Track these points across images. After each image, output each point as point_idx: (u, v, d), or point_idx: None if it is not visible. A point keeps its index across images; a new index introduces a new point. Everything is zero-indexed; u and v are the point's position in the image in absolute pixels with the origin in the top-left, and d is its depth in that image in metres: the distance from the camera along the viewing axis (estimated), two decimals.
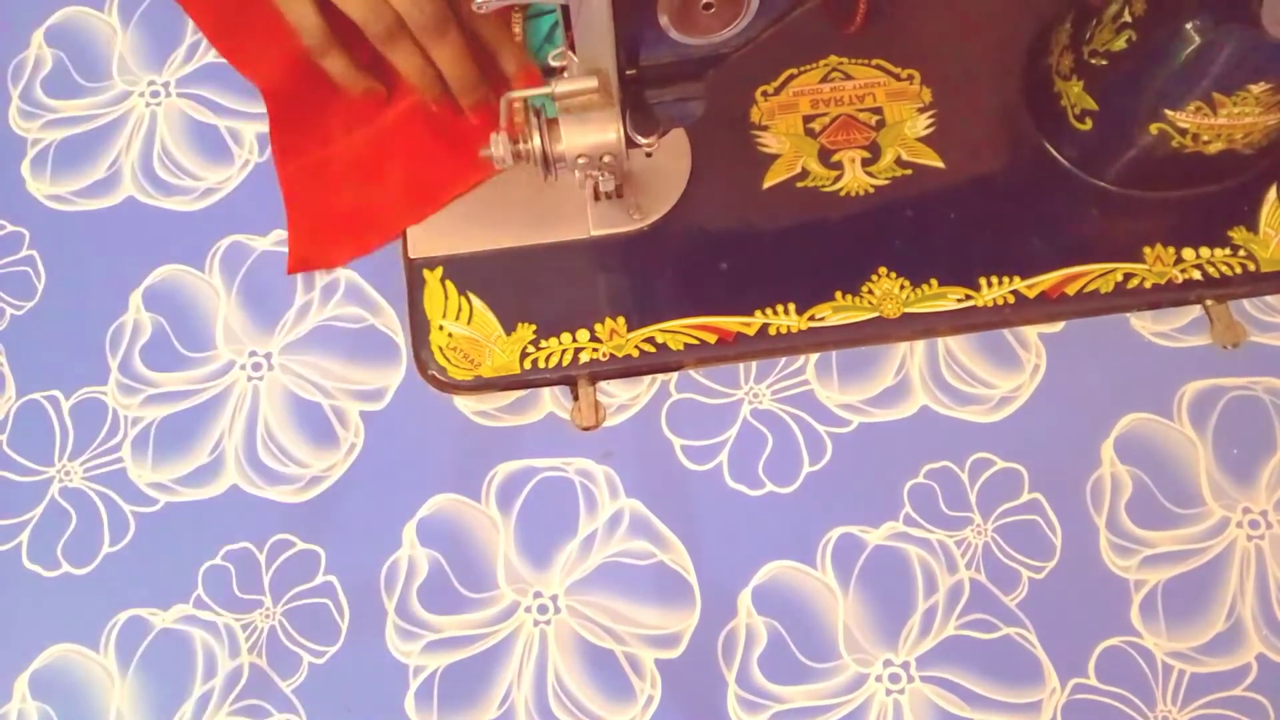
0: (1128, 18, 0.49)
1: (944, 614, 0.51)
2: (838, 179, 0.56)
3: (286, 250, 0.59)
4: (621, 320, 0.54)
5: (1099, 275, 0.54)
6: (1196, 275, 0.53)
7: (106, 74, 0.63)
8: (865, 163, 0.57)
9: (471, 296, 0.55)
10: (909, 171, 0.56)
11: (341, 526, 0.54)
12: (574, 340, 0.54)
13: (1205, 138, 0.51)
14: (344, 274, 0.58)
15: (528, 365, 0.54)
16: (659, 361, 0.54)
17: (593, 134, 0.45)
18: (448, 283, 0.56)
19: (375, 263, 0.58)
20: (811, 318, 0.54)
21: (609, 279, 0.56)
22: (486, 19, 0.55)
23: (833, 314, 0.54)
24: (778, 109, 0.58)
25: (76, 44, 0.64)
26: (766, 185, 0.56)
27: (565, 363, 0.54)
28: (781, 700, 0.50)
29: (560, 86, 0.44)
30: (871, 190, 0.56)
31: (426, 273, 0.56)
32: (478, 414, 0.55)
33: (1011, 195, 0.56)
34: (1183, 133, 0.50)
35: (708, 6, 0.42)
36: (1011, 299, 0.53)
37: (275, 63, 0.60)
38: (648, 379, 0.55)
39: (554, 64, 0.48)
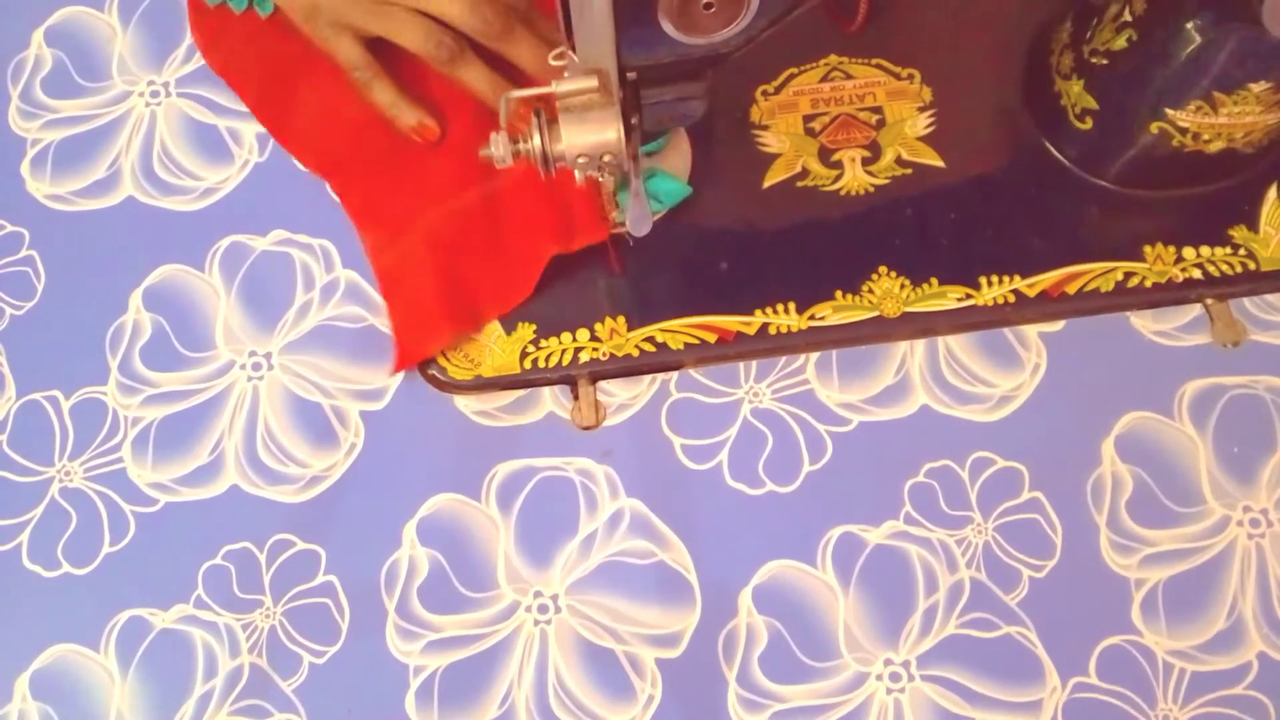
0: (1128, 17, 0.49)
1: (944, 613, 0.51)
2: (838, 178, 0.56)
3: (287, 252, 0.59)
4: (621, 319, 0.54)
5: (1099, 274, 0.54)
6: (1197, 274, 0.53)
7: (106, 74, 0.63)
8: (865, 162, 0.57)
9: None
10: (909, 171, 0.56)
11: (342, 526, 0.54)
12: (574, 340, 0.54)
13: (1206, 137, 0.51)
14: (344, 274, 0.58)
15: (528, 365, 0.54)
16: (659, 361, 0.54)
17: (592, 133, 0.45)
18: None
19: None
20: (811, 317, 0.54)
21: (609, 278, 0.56)
22: (539, 15, 0.55)
23: (833, 313, 0.54)
24: (778, 108, 0.58)
25: (76, 44, 0.64)
26: (767, 184, 0.56)
27: (565, 362, 0.54)
28: (782, 699, 0.50)
29: (560, 86, 0.44)
30: (872, 189, 0.56)
31: None
32: (478, 414, 0.55)
33: (1012, 194, 0.56)
34: (1183, 132, 0.50)
35: (708, 6, 0.42)
36: (1012, 298, 0.53)
37: (330, 141, 0.59)
38: (648, 378, 0.55)
39: (553, 64, 0.48)
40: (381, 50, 0.57)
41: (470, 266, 0.55)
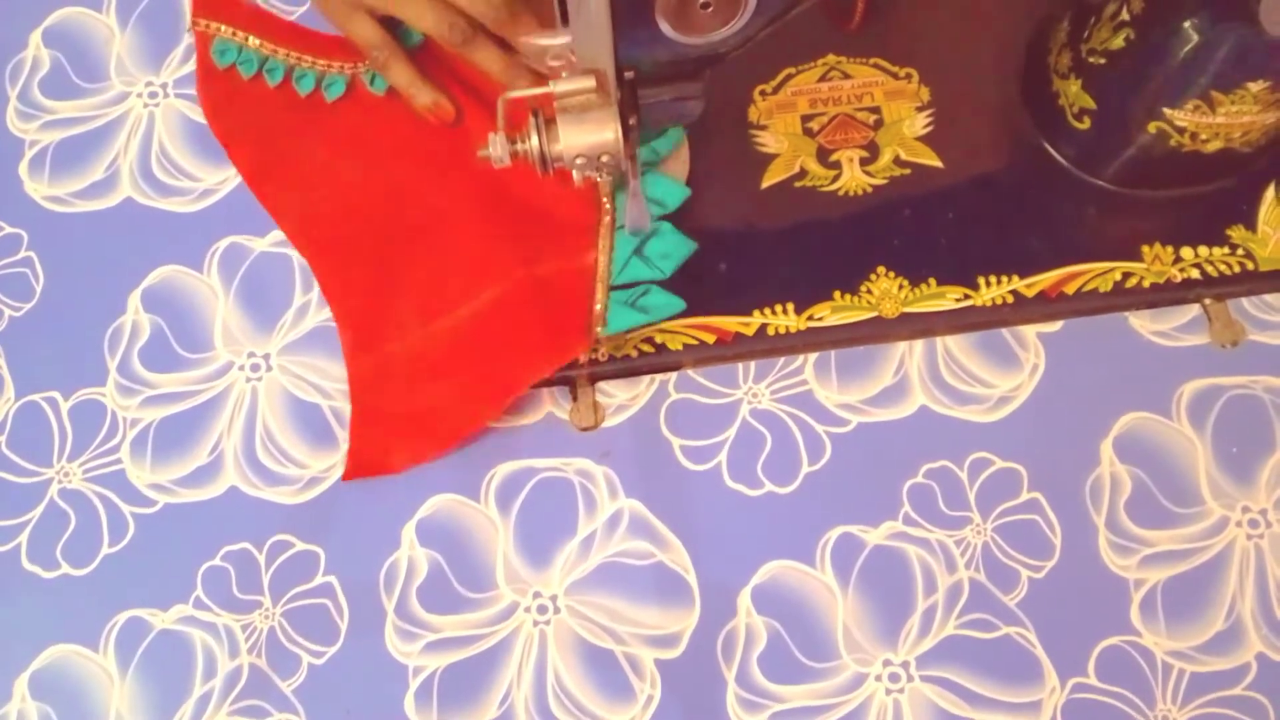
0: (1126, 16, 0.49)
1: (943, 613, 0.51)
2: (836, 178, 0.56)
3: (286, 253, 0.59)
4: None
5: (1097, 274, 0.54)
6: (1195, 274, 0.53)
7: (104, 75, 0.63)
8: (863, 162, 0.57)
9: None
10: (907, 171, 0.56)
11: (341, 527, 0.54)
12: None
13: (1203, 136, 0.51)
14: None
15: None
16: (658, 362, 0.54)
17: (590, 133, 0.45)
18: None
19: None
20: (810, 317, 0.54)
21: None
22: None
23: (831, 314, 0.54)
24: (776, 108, 0.58)
25: (74, 45, 0.64)
26: (765, 185, 0.56)
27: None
28: (781, 700, 0.50)
29: (558, 86, 0.44)
30: (870, 190, 0.56)
31: None
32: None
33: (1010, 194, 0.56)
34: (1181, 131, 0.50)
35: (705, 6, 0.42)
36: (1010, 298, 0.53)
37: (319, 225, 0.58)
38: (646, 379, 0.55)
39: (552, 63, 0.48)
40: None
41: (447, 394, 0.54)
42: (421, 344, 0.55)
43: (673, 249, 0.53)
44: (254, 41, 0.60)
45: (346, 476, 0.54)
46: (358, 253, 0.57)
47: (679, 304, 0.52)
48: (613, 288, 0.53)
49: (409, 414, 0.54)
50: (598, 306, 0.52)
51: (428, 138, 0.58)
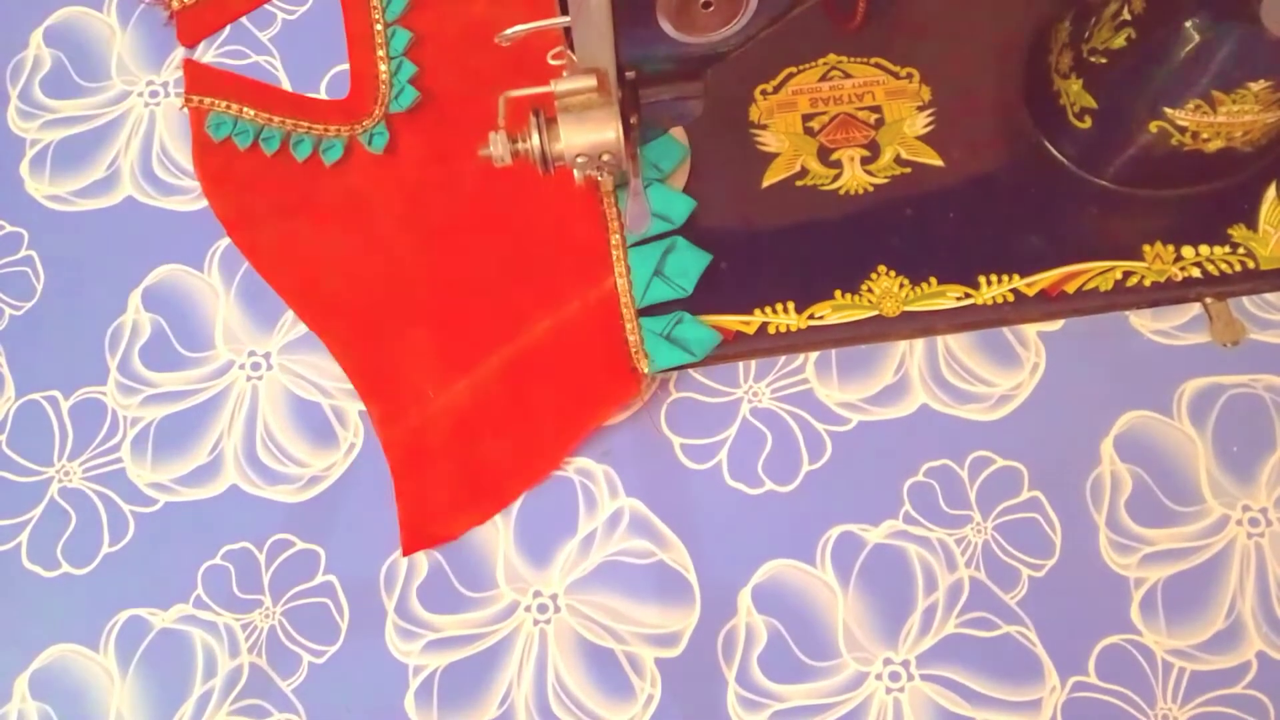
0: (1127, 16, 0.49)
1: (944, 612, 0.51)
2: (837, 177, 0.56)
3: None
4: None
5: (1098, 273, 0.54)
6: (1196, 273, 0.53)
7: (105, 74, 0.63)
8: (864, 161, 0.57)
9: None
10: (908, 170, 0.56)
11: (341, 526, 0.54)
12: None
13: (1205, 136, 0.50)
14: None
15: None
16: None
17: (591, 133, 0.45)
18: None
19: None
20: (811, 316, 0.54)
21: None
22: None
23: (832, 312, 0.54)
24: (777, 108, 0.58)
25: (75, 44, 0.64)
26: (766, 184, 0.56)
27: None
28: (781, 699, 0.50)
29: (559, 85, 0.44)
30: (871, 189, 0.56)
31: None
32: None
33: (1011, 193, 0.56)
34: (1182, 131, 0.50)
35: (706, 5, 0.42)
36: (1011, 297, 0.53)
37: (328, 296, 0.57)
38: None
39: (552, 63, 0.48)
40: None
41: (493, 446, 0.54)
42: (453, 406, 0.54)
43: (690, 264, 0.53)
44: (249, 112, 0.59)
45: (406, 551, 0.53)
46: (367, 322, 0.56)
47: (715, 336, 0.52)
48: (640, 312, 0.53)
49: (460, 478, 0.53)
50: (631, 336, 0.52)
51: (429, 194, 0.57)
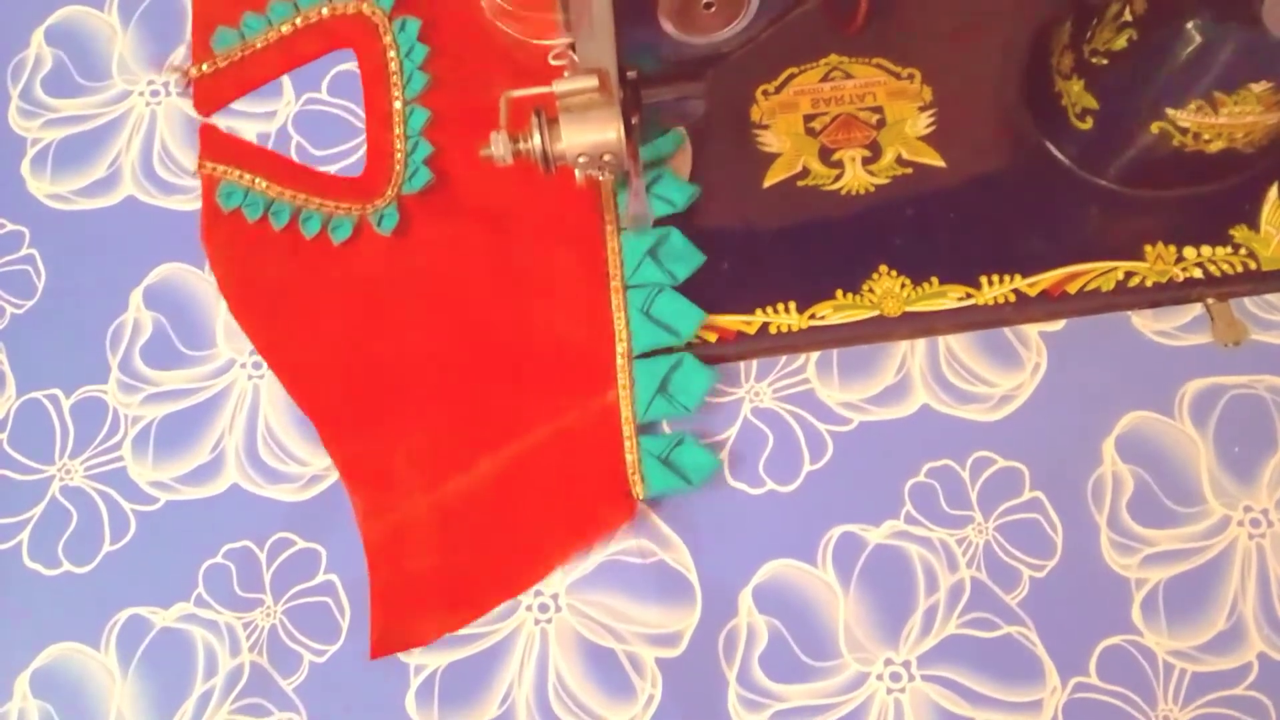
0: (1128, 17, 0.49)
1: (945, 613, 0.51)
2: (838, 178, 0.56)
3: None
4: None
5: (1100, 274, 0.54)
6: (1197, 273, 0.53)
7: (106, 73, 0.63)
8: (866, 161, 0.57)
9: None
10: (909, 170, 0.56)
11: (342, 525, 0.54)
12: None
13: (1206, 136, 0.50)
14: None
15: None
16: None
17: (593, 133, 0.45)
18: None
19: None
20: (812, 316, 0.54)
21: None
22: None
23: (833, 313, 0.54)
24: (778, 108, 0.58)
25: (76, 43, 0.64)
26: (767, 184, 0.56)
27: None
28: (782, 699, 0.50)
29: (561, 85, 0.44)
30: (872, 189, 0.56)
31: None
32: None
33: (1012, 194, 0.56)
34: (1184, 131, 0.50)
35: (708, 6, 0.42)
36: (1012, 297, 0.53)
37: (323, 380, 0.55)
38: None
39: (553, 63, 0.48)
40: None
41: (476, 554, 0.52)
42: (440, 506, 0.52)
43: (695, 383, 0.52)
44: (261, 183, 0.58)
45: (374, 654, 0.51)
46: (362, 408, 0.54)
47: (715, 463, 0.52)
48: (640, 428, 0.52)
49: (435, 582, 0.52)
50: (629, 455, 0.52)
51: (435, 283, 0.56)
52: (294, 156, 0.60)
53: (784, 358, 0.55)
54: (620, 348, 0.53)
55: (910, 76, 0.58)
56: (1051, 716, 0.49)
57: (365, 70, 0.60)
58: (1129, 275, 0.53)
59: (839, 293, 0.54)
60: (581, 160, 0.46)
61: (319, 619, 0.53)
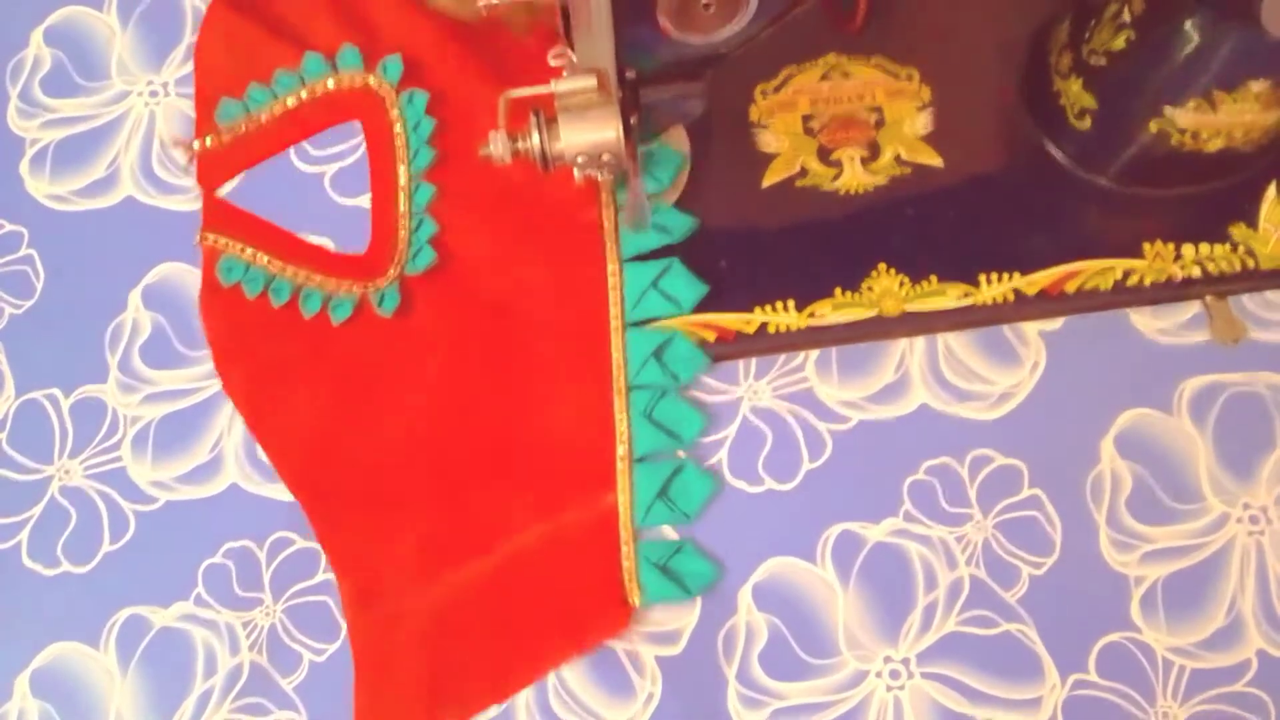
0: (1127, 17, 0.49)
1: (944, 610, 0.51)
2: (837, 177, 0.56)
3: None
4: None
5: (1098, 272, 0.54)
6: (1196, 272, 0.53)
7: (105, 73, 0.63)
8: (864, 161, 0.57)
9: None
10: (908, 170, 0.56)
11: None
12: None
13: (1205, 135, 0.51)
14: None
15: None
16: None
17: (592, 132, 0.45)
18: None
19: None
20: (811, 315, 0.54)
21: None
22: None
23: (832, 311, 0.54)
24: (777, 107, 0.58)
25: (75, 43, 0.64)
26: (766, 184, 0.56)
27: None
28: (782, 697, 0.50)
29: (559, 85, 0.44)
30: (871, 188, 0.56)
31: None
32: None
33: (1011, 193, 0.56)
34: (1182, 130, 0.51)
35: (707, 6, 0.42)
36: (1011, 296, 0.53)
37: (314, 463, 0.54)
38: None
39: (553, 63, 0.48)
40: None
41: (465, 655, 0.51)
42: (431, 604, 0.51)
43: (696, 490, 0.51)
44: (262, 258, 0.56)
45: None
46: (355, 497, 0.53)
47: (713, 572, 0.51)
48: (638, 532, 0.52)
49: (422, 681, 0.50)
50: (626, 561, 0.51)
51: (435, 371, 0.54)
52: (293, 157, 0.60)
53: (783, 356, 0.55)
54: (621, 450, 0.52)
55: (909, 76, 0.58)
56: (1051, 714, 0.49)
57: (371, 144, 0.58)
58: (1128, 273, 0.54)
59: (838, 291, 0.54)
60: (580, 160, 0.46)
61: (318, 618, 0.53)
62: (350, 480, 0.53)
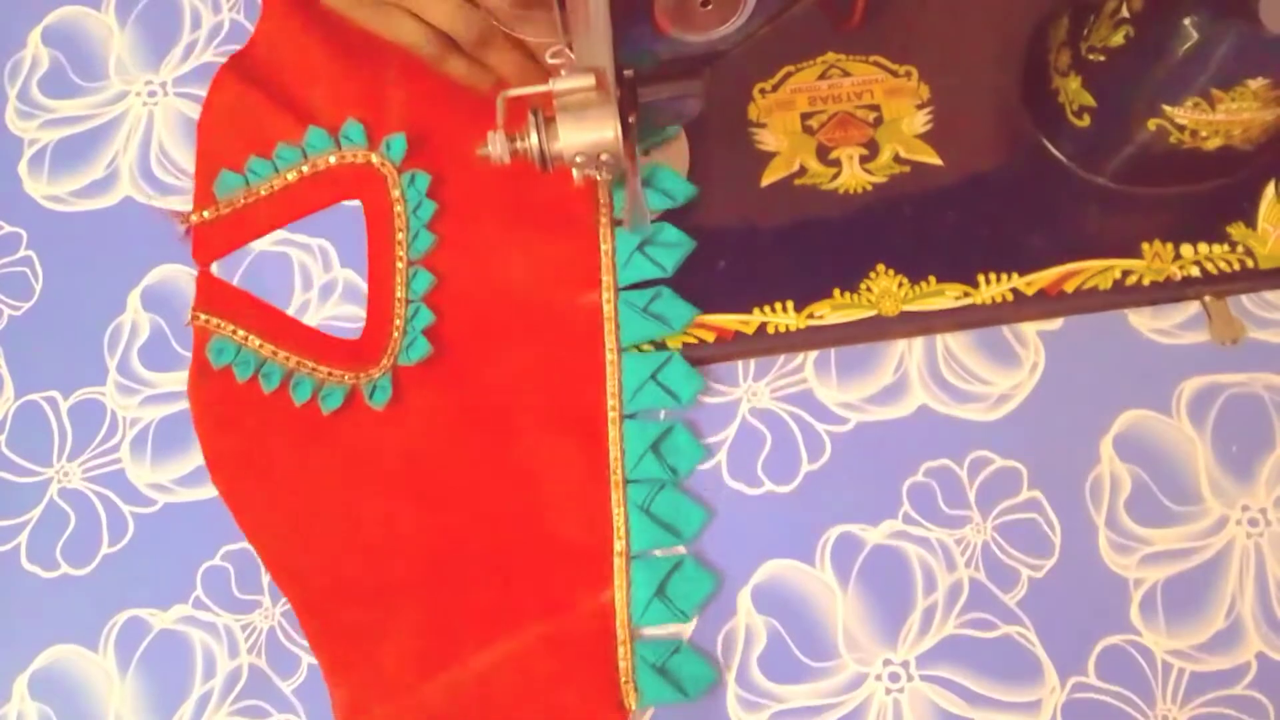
0: (1125, 13, 0.49)
1: (943, 612, 0.51)
2: (836, 176, 0.56)
3: (284, 252, 0.58)
4: None
5: (1097, 272, 0.53)
6: (1195, 272, 0.53)
7: (103, 74, 0.63)
8: (863, 160, 0.56)
9: None
10: (907, 169, 0.56)
11: None
12: None
13: (1203, 134, 0.50)
14: (341, 274, 0.58)
15: None
16: None
17: (590, 132, 0.45)
18: None
19: None
20: (810, 316, 0.54)
21: None
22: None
23: (831, 312, 0.54)
24: (775, 106, 0.58)
25: (73, 43, 0.64)
26: (764, 183, 0.56)
27: None
28: (781, 699, 0.50)
29: (557, 84, 0.44)
30: (869, 188, 0.56)
31: None
32: None
33: (1009, 192, 0.56)
34: (1181, 129, 0.50)
35: (705, 4, 0.42)
36: (1010, 296, 0.53)
37: (303, 559, 0.52)
38: None
39: (551, 62, 0.48)
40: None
41: None
42: (424, 706, 0.49)
43: (695, 589, 0.50)
44: (254, 341, 0.55)
45: None
46: (345, 596, 0.51)
47: (712, 674, 0.49)
48: (636, 632, 0.50)
49: None
50: (623, 662, 0.49)
51: (427, 465, 0.53)
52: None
53: (781, 357, 0.55)
54: (618, 545, 0.51)
55: (907, 74, 0.58)
56: (1050, 716, 0.49)
57: (371, 223, 0.57)
58: (1126, 273, 0.53)
59: (836, 292, 0.54)
60: (579, 159, 0.46)
61: None
62: (341, 580, 0.51)
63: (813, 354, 0.55)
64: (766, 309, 0.54)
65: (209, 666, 0.52)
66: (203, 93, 0.62)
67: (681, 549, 0.51)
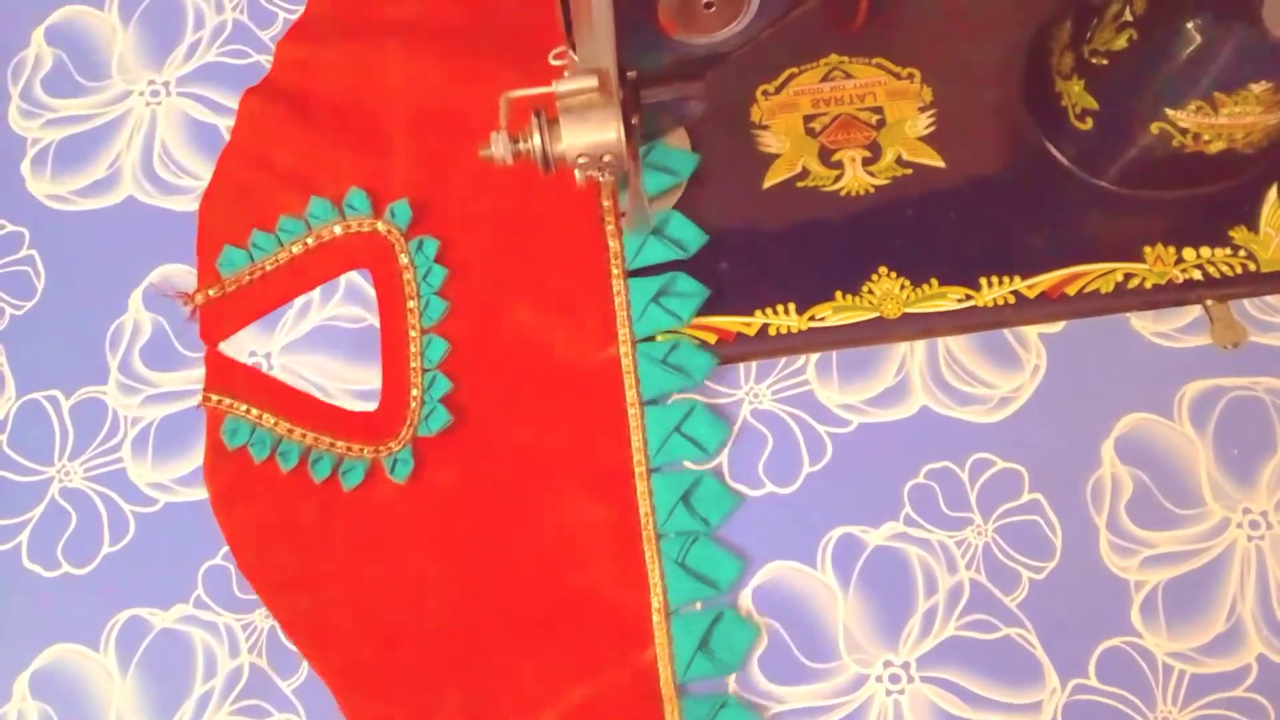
0: (1128, 17, 0.49)
1: (944, 614, 0.51)
2: (838, 178, 0.56)
3: None
4: None
5: (1099, 275, 0.53)
6: (1197, 275, 0.53)
7: (106, 73, 0.63)
8: (866, 162, 0.56)
9: None
10: (909, 171, 0.56)
11: None
12: None
13: (1206, 137, 0.50)
14: (343, 274, 0.58)
15: None
16: None
17: (593, 133, 0.45)
18: None
19: None
20: (812, 318, 0.54)
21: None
22: None
23: (833, 314, 0.54)
24: (778, 108, 0.58)
25: (76, 43, 0.64)
26: (767, 185, 0.56)
27: None
28: (782, 701, 0.50)
29: (560, 86, 0.44)
30: (872, 190, 0.56)
31: None
32: None
33: (1012, 195, 0.56)
34: (1183, 132, 0.50)
35: (708, 5, 0.42)
36: (1012, 299, 0.53)
37: (332, 638, 0.51)
38: None
39: (554, 63, 0.48)
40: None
41: None
42: None
43: (738, 639, 0.50)
44: (269, 419, 0.54)
45: None
46: (382, 673, 0.50)
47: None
48: (681, 690, 0.49)
49: None
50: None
51: (455, 535, 0.52)
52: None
53: (783, 359, 0.55)
54: (655, 602, 0.50)
55: (910, 76, 0.58)
56: (1051, 718, 0.49)
57: (381, 293, 0.56)
58: (1128, 277, 0.53)
59: (839, 294, 0.54)
60: (581, 161, 0.46)
61: None
62: (376, 657, 0.50)
63: (814, 356, 0.55)
64: (768, 311, 0.54)
65: (210, 666, 0.52)
66: (206, 93, 0.62)
67: (721, 599, 0.51)
